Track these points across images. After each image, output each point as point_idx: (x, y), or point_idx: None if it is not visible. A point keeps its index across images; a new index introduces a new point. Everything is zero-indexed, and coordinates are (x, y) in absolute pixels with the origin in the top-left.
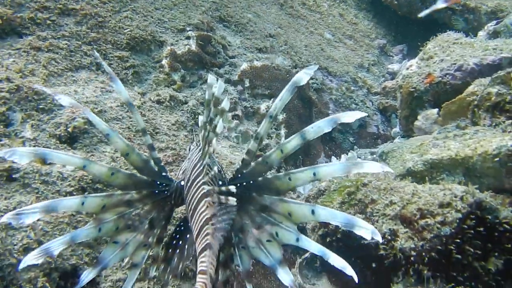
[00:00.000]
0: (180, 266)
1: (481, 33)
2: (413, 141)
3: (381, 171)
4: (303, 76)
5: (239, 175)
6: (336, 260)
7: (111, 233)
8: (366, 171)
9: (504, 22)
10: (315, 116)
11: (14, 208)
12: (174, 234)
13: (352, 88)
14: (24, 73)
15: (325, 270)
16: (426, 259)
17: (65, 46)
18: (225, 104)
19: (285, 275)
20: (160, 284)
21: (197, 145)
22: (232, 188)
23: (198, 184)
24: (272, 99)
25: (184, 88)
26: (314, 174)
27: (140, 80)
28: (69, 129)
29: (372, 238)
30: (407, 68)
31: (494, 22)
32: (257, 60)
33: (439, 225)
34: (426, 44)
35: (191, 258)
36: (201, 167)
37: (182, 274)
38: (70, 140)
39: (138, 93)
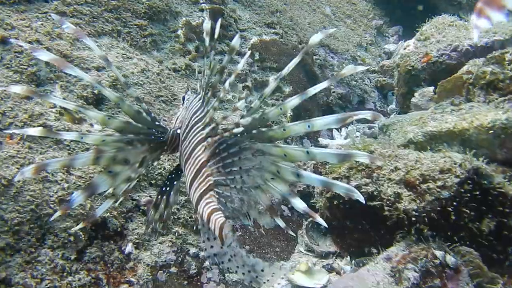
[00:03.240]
0: (166, 212)
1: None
2: (412, 115)
3: (371, 115)
4: (315, 39)
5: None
6: (342, 186)
7: (108, 162)
8: (359, 117)
9: None
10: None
11: None
12: (166, 181)
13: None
14: (52, 36)
15: (330, 232)
16: (427, 219)
17: (88, 12)
18: (235, 42)
19: (298, 203)
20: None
21: (193, 93)
22: (240, 127)
23: (197, 130)
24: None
25: (198, 58)
26: (309, 126)
27: (157, 49)
28: (95, 91)
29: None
30: (405, 48)
31: None
32: (265, 35)
33: (439, 189)
34: (422, 25)
35: (175, 204)
36: (202, 114)
37: (169, 221)
38: (96, 101)
39: (157, 61)
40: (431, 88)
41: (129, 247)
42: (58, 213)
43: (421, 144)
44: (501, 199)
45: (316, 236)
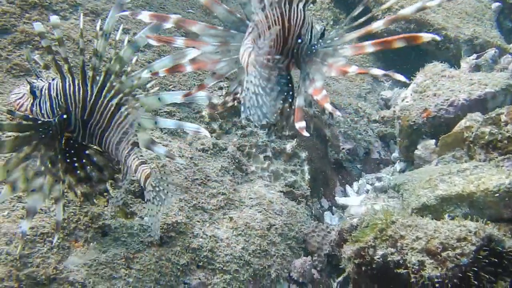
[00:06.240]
0: None
1: (464, 66)
2: (421, 174)
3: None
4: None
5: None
6: (191, 126)
7: (24, 186)
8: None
9: (484, 56)
10: (329, 150)
11: None
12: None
13: (355, 118)
14: None
15: None
16: (450, 285)
17: None
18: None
19: (160, 149)
20: None
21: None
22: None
23: None
24: (295, 139)
25: (222, 135)
26: (160, 99)
27: (185, 132)
28: None
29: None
30: (402, 100)
31: (475, 55)
32: None
33: (458, 256)
34: (415, 74)
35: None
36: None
37: None
38: None
39: (188, 145)
40: (433, 141)
41: None
42: (19, 248)
43: (434, 207)
44: None
45: None
